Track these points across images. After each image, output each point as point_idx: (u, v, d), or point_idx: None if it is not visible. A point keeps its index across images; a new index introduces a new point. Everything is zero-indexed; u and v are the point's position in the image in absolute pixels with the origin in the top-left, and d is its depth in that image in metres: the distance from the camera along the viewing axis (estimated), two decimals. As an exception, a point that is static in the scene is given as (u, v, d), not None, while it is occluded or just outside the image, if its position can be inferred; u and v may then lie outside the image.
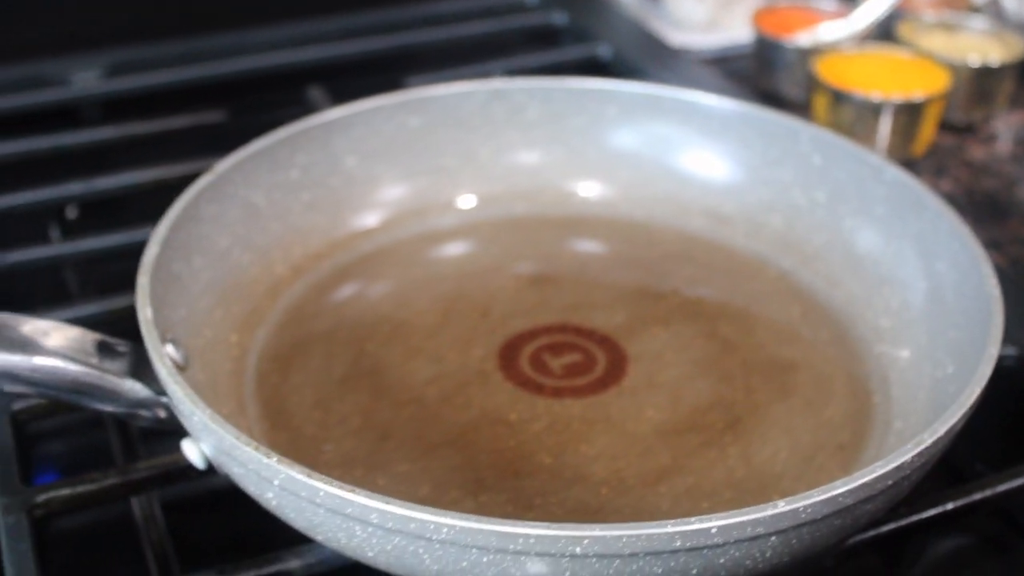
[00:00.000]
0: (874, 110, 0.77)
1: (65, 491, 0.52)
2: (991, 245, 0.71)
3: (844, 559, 0.52)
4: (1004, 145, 0.83)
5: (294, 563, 0.49)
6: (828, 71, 0.80)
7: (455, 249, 0.66)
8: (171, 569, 0.53)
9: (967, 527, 0.56)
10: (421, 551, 0.41)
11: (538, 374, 0.56)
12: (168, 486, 0.55)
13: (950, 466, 0.57)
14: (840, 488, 0.41)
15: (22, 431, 0.57)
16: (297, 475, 0.42)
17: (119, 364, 0.49)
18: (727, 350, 0.59)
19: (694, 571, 0.41)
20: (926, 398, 0.54)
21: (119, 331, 0.52)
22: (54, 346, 0.48)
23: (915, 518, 0.51)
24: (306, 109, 0.75)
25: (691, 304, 0.62)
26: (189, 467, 0.52)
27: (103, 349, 0.50)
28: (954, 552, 0.56)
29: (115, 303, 0.64)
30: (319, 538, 0.45)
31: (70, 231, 0.77)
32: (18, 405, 0.57)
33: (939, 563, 0.55)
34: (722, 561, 0.41)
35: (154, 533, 0.55)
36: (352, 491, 0.41)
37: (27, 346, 0.48)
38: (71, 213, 0.80)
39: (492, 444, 0.53)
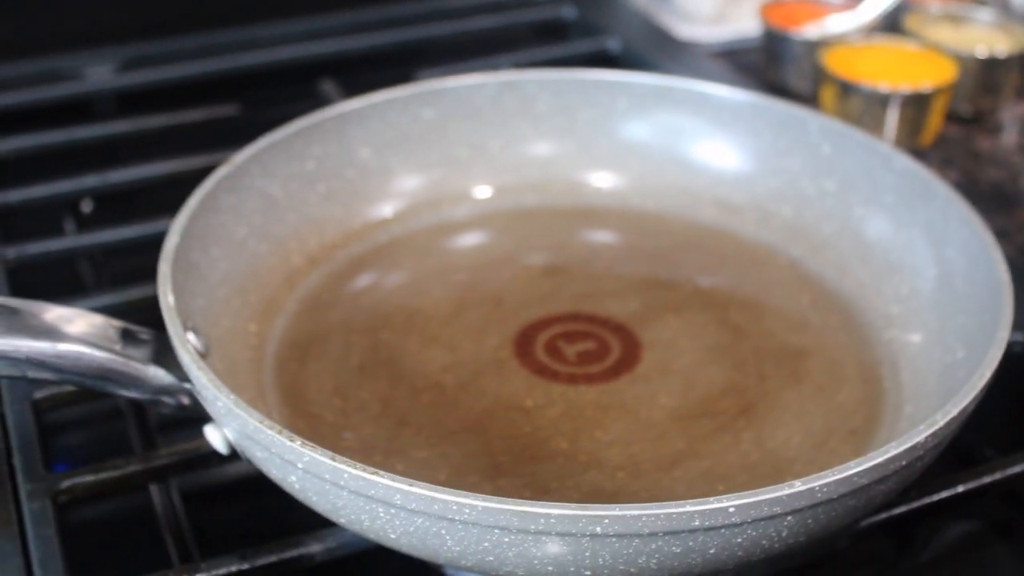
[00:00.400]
0: (882, 101, 0.78)
1: (88, 478, 0.53)
2: (998, 234, 0.71)
3: (856, 542, 0.53)
4: (1010, 136, 0.84)
5: (315, 547, 0.50)
6: (836, 63, 0.81)
7: (468, 239, 0.67)
8: (191, 556, 0.54)
9: (976, 511, 0.57)
10: (443, 532, 0.42)
11: (553, 361, 0.57)
12: (189, 472, 0.56)
13: (959, 451, 0.57)
14: (855, 468, 0.42)
15: (42, 420, 0.57)
16: (322, 458, 0.42)
17: (142, 351, 0.50)
18: (739, 337, 0.59)
19: (711, 551, 0.42)
20: (936, 383, 0.54)
21: (136, 322, 0.53)
22: (78, 333, 0.49)
23: (926, 500, 0.52)
24: (318, 102, 0.76)
25: (703, 292, 0.63)
26: (210, 454, 0.53)
27: (126, 336, 0.50)
28: (963, 536, 0.56)
29: (131, 294, 0.64)
30: (341, 521, 0.45)
31: (85, 225, 0.77)
32: (39, 394, 0.58)
33: (948, 547, 0.56)
34: (739, 541, 0.42)
35: (174, 521, 0.56)
36: (376, 473, 0.42)
37: (52, 333, 0.49)
38: (86, 207, 0.80)
39: (508, 430, 0.54)
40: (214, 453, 0.52)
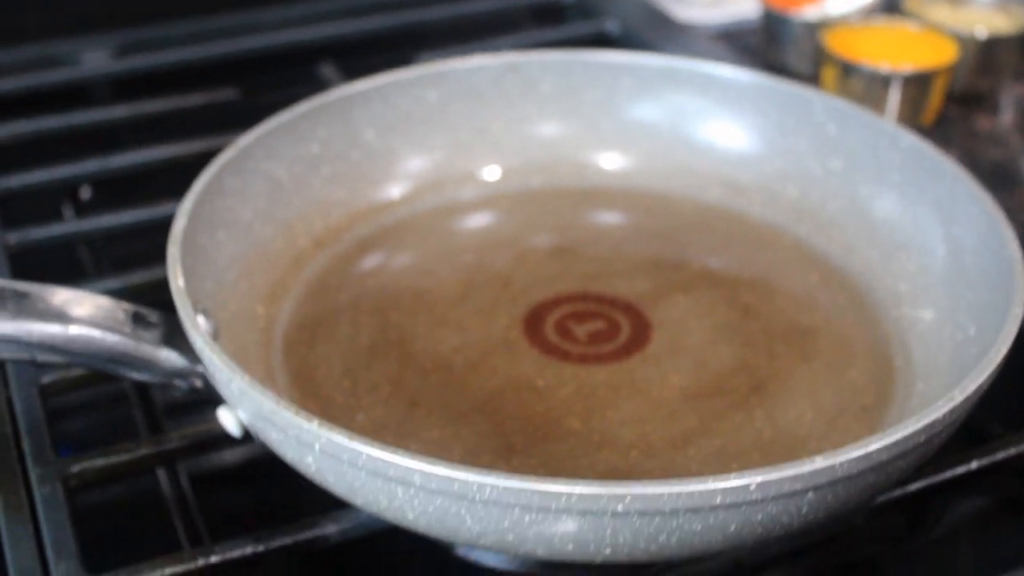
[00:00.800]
0: (883, 81, 0.78)
1: (99, 462, 0.53)
2: (1001, 213, 0.72)
3: (869, 519, 0.53)
4: (1009, 116, 0.84)
5: (330, 528, 0.50)
6: (836, 44, 0.81)
7: (474, 221, 0.67)
8: (201, 539, 0.54)
9: (988, 488, 0.57)
10: (463, 512, 0.42)
11: (563, 341, 0.57)
12: (199, 456, 0.56)
13: (969, 428, 0.57)
14: (876, 444, 0.42)
15: (48, 405, 0.57)
16: (339, 438, 0.42)
17: (152, 334, 0.50)
18: (748, 316, 0.59)
19: (731, 528, 0.42)
20: (947, 360, 0.54)
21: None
22: (88, 316, 0.49)
23: (941, 477, 0.52)
24: (318, 86, 0.76)
25: (711, 272, 0.63)
26: (220, 437, 0.52)
27: (136, 319, 0.50)
28: (974, 512, 0.57)
29: (133, 279, 0.64)
30: (358, 502, 0.45)
31: (83, 211, 0.77)
32: (46, 379, 0.57)
33: (960, 522, 0.56)
34: (759, 518, 0.42)
35: (183, 505, 0.56)
36: (395, 453, 0.41)
37: (62, 316, 0.48)
38: (84, 194, 0.80)
39: (520, 410, 0.53)
40: (224, 436, 0.52)
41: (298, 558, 0.52)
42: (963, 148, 0.80)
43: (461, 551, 0.53)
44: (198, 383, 0.50)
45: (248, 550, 0.49)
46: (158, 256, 0.59)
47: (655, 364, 0.56)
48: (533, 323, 0.58)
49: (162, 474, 0.58)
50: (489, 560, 0.53)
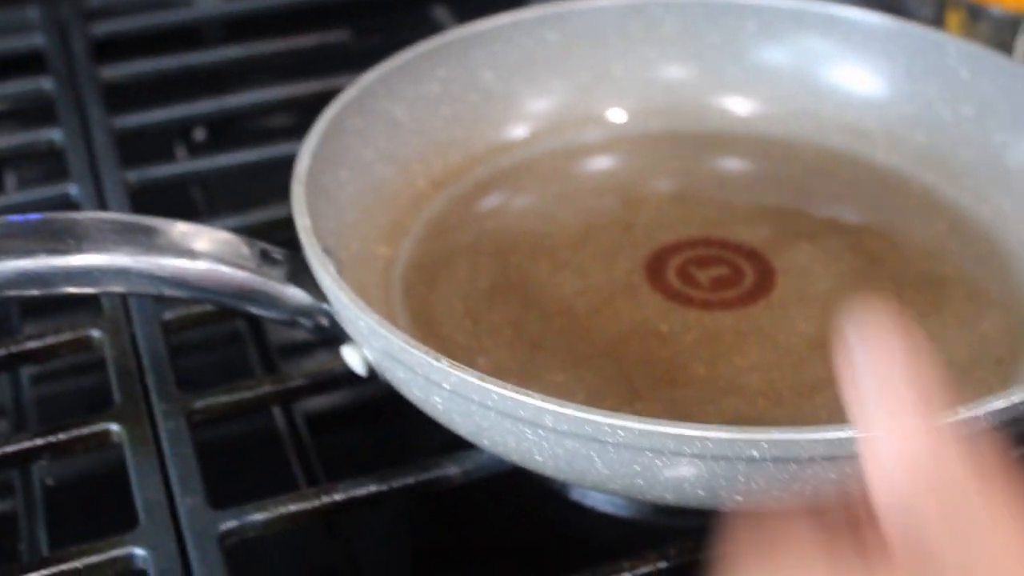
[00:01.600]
0: (1013, 25, 0.75)
1: (223, 398, 0.53)
2: None
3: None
4: None
5: (453, 469, 0.49)
6: (963, -13, 0.78)
7: (594, 164, 0.66)
8: (318, 479, 0.54)
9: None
10: (593, 454, 0.42)
11: (686, 286, 0.56)
12: (318, 395, 0.56)
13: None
14: (1018, 396, 0.41)
15: (171, 341, 0.57)
16: (470, 378, 0.42)
17: (278, 270, 0.50)
18: (875, 264, 0.58)
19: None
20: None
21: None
22: (215, 251, 0.49)
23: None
24: (430, 29, 0.75)
25: (835, 220, 0.61)
26: (340, 376, 0.52)
27: (262, 255, 0.50)
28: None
29: (251, 218, 0.64)
30: (484, 443, 0.45)
31: (197, 152, 0.77)
32: (168, 315, 0.58)
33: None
34: (897, 467, 0.41)
35: (299, 445, 0.56)
36: (527, 394, 0.41)
37: (190, 252, 0.48)
38: (199, 135, 0.80)
39: (644, 355, 0.53)
40: (343, 375, 0.52)
41: (417, 498, 0.52)
42: (1093, 97, 0.77)
43: (576, 495, 0.53)
44: (324, 321, 0.50)
45: (372, 488, 0.49)
46: (275, 196, 0.60)
47: (781, 311, 0.55)
48: (656, 268, 0.57)
49: (278, 413, 0.58)
50: (605, 505, 0.53)
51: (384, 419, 0.60)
